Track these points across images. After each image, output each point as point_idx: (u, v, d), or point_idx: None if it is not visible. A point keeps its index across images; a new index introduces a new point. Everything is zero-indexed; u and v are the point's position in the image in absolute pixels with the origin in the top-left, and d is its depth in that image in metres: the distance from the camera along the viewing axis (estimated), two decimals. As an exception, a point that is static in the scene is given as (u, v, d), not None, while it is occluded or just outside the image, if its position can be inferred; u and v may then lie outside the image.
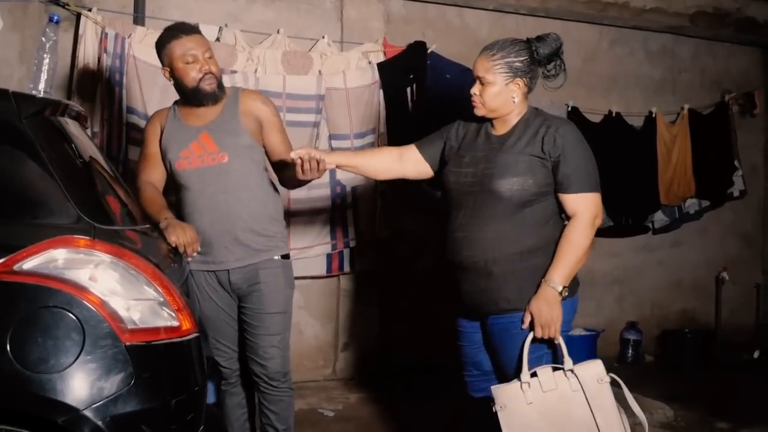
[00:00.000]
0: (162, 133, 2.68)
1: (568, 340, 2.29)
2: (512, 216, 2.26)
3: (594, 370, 2.20)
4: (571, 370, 2.19)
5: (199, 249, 2.45)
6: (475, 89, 2.33)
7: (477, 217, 2.30)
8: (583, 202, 2.26)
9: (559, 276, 2.22)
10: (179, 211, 2.68)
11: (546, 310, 2.21)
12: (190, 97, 2.61)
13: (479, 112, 2.35)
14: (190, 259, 2.43)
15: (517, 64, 2.28)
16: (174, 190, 2.74)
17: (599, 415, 2.15)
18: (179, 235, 2.36)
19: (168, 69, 2.60)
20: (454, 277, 2.38)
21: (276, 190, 2.77)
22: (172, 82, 2.63)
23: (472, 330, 2.43)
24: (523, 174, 2.24)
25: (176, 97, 2.71)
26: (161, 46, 2.59)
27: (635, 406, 2.23)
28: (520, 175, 2.24)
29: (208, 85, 2.56)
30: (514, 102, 2.31)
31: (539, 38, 2.32)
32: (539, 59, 2.31)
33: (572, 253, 2.23)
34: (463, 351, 2.48)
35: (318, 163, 2.34)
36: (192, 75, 2.55)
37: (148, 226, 2.30)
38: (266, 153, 2.73)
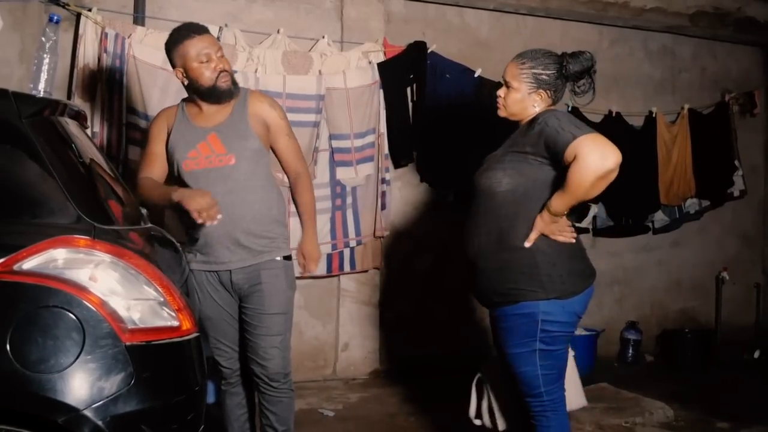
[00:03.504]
0: (170, 133, 2.68)
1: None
2: (498, 211, 2.29)
3: None
4: None
5: (219, 216, 2.43)
6: (501, 92, 2.41)
7: (473, 212, 2.40)
8: (577, 148, 2.09)
9: (554, 204, 2.20)
10: (183, 212, 2.68)
11: (542, 225, 2.24)
12: (206, 95, 2.61)
13: (501, 113, 2.43)
14: (210, 223, 2.41)
15: (544, 76, 2.32)
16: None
17: None
18: (199, 202, 2.38)
19: (181, 70, 2.59)
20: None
21: (280, 192, 2.77)
22: (186, 82, 2.62)
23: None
24: (500, 170, 2.30)
25: (176, 96, 2.71)
26: (173, 46, 2.58)
27: None
28: (496, 170, 2.31)
29: (224, 83, 2.58)
30: (534, 110, 2.36)
31: (573, 54, 2.35)
32: (568, 75, 2.34)
33: (570, 191, 2.14)
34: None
35: None
36: (207, 74, 2.56)
37: (149, 225, 2.30)
38: (276, 156, 2.76)
